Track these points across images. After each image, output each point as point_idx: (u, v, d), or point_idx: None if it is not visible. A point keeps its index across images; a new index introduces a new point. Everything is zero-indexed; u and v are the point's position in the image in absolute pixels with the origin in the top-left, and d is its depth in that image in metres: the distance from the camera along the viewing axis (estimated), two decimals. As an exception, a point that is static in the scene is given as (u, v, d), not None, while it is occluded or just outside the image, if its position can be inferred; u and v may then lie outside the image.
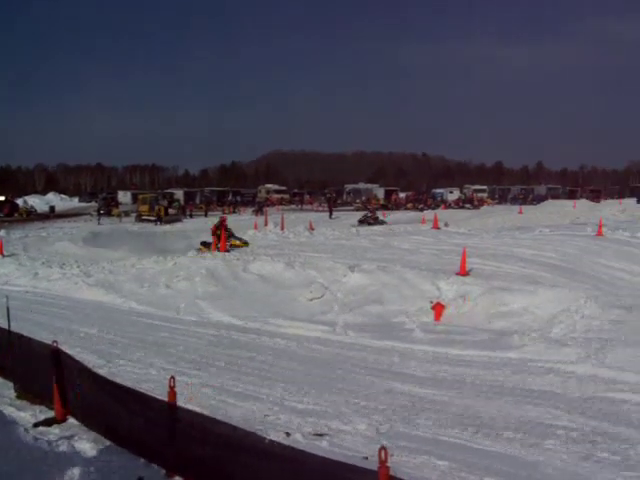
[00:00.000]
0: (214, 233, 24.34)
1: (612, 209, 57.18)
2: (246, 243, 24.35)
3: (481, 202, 73.93)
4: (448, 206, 68.57)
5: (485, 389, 8.40)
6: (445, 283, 14.00)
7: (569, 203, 61.40)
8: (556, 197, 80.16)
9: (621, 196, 79.89)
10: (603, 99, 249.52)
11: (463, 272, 14.88)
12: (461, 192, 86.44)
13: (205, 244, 24.56)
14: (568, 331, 11.27)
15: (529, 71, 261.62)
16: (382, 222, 39.33)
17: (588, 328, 11.45)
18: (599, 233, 23.51)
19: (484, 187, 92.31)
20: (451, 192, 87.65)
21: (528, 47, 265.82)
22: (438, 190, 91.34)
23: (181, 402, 5.77)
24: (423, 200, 74.80)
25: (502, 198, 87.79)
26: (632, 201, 67.28)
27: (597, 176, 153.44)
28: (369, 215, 40.62)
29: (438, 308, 12.90)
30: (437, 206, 67.76)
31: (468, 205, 69.77)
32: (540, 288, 13.64)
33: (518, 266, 16.77)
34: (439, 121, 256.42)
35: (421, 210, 61.30)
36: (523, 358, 9.88)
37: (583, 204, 60.16)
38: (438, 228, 26.58)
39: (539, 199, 78.23)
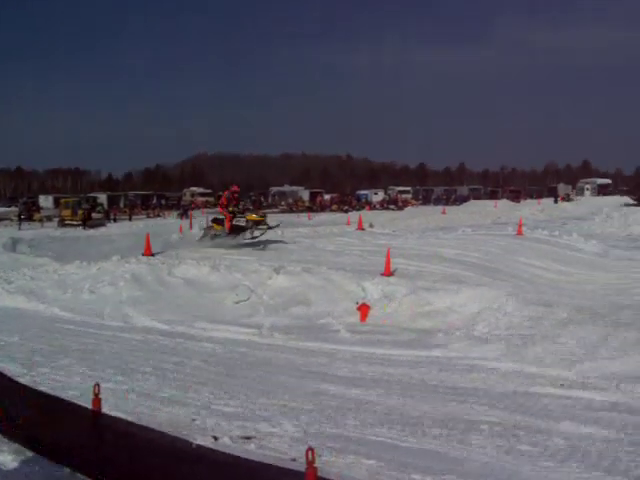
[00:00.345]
0: (224, 207, 21.27)
1: (531, 209, 58.70)
2: (263, 217, 21.88)
3: (405, 203, 74.96)
4: (373, 207, 69.34)
5: (411, 387, 8.50)
6: (370, 284, 14.14)
7: (490, 203, 62.80)
8: (478, 197, 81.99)
9: (540, 196, 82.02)
10: (522, 101, 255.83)
11: (388, 272, 15.05)
12: (385, 193, 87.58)
13: (217, 221, 21.70)
14: (491, 328, 11.53)
15: (450, 73, 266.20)
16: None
17: (510, 325, 11.74)
18: (519, 232, 24.12)
19: (408, 188, 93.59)
20: (376, 193, 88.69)
21: (449, 49, 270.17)
22: (363, 192, 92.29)
23: (106, 409, 5.69)
24: (348, 202, 75.43)
25: (426, 199, 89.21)
26: (550, 201, 69.21)
27: (517, 177, 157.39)
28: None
29: (363, 309, 13.02)
30: (362, 207, 68.37)
31: (392, 206, 70.69)
32: (463, 287, 13.91)
33: (442, 266, 17.07)
34: (363, 123, 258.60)
35: (346, 212, 61.82)
36: (448, 356, 10.06)
37: (504, 204, 61.65)
38: (363, 229, 26.84)
39: (462, 199, 79.87)
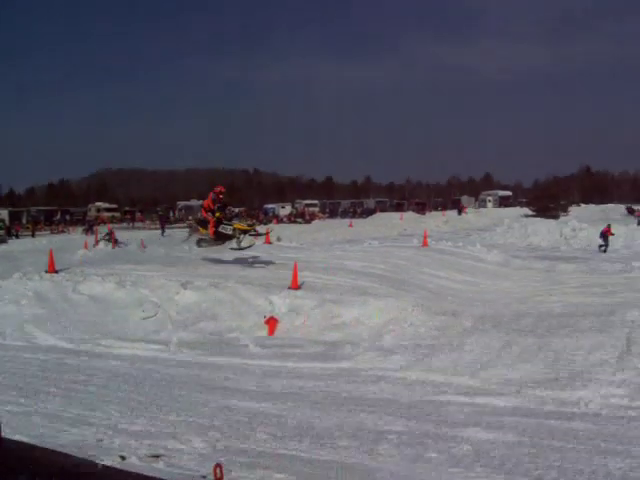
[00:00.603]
0: (209, 210, 19.08)
1: (436, 221, 60.01)
2: (252, 226, 19.60)
3: (313, 216, 75.24)
4: (280, 221, 69.28)
5: (320, 400, 8.55)
6: (278, 297, 14.16)
7: (396, 215, 63.84)
8: (384, 210, 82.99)
9: (445, 208, 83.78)
10: (427, 116, 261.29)
11: (295, 286, 15.09)
12: (293, 207, 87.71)
13: (203, 223, 19.48)
14: (398, 339, 11.73)
15: (355, 88, 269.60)
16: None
17: (416, 335, 11.97)
18: (424, 244, 24.64)
19: (315, 202, 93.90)
20: (283, 207, 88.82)
21: (353, 63, 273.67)
22: (270, 205, 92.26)
23: (6, 433, 5.50)
24: (255, 216, 75.22)
25: (333, 212, 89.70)
26: (454, 213, 70.83)
27: (422, 189, 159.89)
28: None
29: (272, 322, 13.04)
30: (269, 221, 68.27)
31: (300, 219, 70.83)
32: (370, 299, 14.09)
33: (349, 278, 17.22)
34: (270, 137, 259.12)
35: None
36: (356, 367, 10.16)
37: (410, 216, 62.79)
38: (270, 243, 26.81)
39: (368, 212, 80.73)
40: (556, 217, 59.63)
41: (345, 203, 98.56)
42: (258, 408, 8.18)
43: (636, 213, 50.83)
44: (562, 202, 75.92)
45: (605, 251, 31.89)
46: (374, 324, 12.86)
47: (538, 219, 51.59)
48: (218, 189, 19.39)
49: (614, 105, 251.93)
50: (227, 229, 18.51)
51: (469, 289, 17.66)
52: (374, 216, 69.55)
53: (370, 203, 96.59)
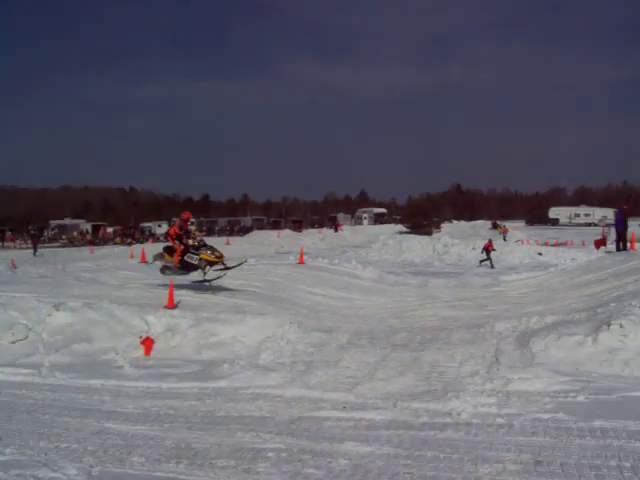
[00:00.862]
0: (175, 238, 18.12)
1: (313, 238, 60.70)
2: (220, 258, 17.99)
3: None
4: (157, 239, 68.33)
5: (198, 420, 8.45)
6: (154, 317, 13.92)
7: (273, 233, 64.22)
8: (261, 228, 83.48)
9: (321, 226, 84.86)
10: (302, 135, 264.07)
11: (171, 305, 14.90)
12: (170, 225, 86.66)
13: (169, 250, 18.31)
14: (275, 357, 11.76)
15: (233, 106, 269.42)
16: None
17: (293, 352, 12.05)
18: (301, 261, 24.88)
19: (192, 220, 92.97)
20: (160, 225, 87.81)
21: (229, 81, 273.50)
22: (146, 224, 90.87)
23: None
24: (131, 234, 73.93)
25: (210, 230, 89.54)
26: (331, 230, 71.85)
27: (299, 207, 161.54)
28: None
29: (147, 343, 12.81)
30: (146, 240, 67.25)
31: (177, 238, 69.85)
32: (247, 317, 14.08)
33: (226, 296, 17.16)
34: (146, 155, 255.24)
35: (130, 244, 60.59)
36: (234, 386, 10.10)
37: (287, 234, 63.26)
38: (147, 262, 26.37)
39: (245, 230, 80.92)
40: (429, 233, 61.58)
41: (222, 221, 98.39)
42: (134, 431, 8.00)
43: (502, 228, 52.96)
44: (435, 219, 78.40)
45: (492, 266, 32.98)
46: (251, 342, 12.85)
47: (412, 236, 53.00)
48: (185, 216, 18.67)
49: (484, 126, 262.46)
50: (193, 259, 17.69)
51: (345, 305, 17.92)
52: (251, 234, 69.69)
53: (247, 221, 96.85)
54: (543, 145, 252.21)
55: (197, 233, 18.73)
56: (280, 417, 8.40)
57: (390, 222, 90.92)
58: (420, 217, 73.43)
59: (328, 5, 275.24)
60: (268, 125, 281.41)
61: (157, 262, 18.62)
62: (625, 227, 27.70)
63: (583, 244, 51.67)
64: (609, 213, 77.95)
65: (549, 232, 76.26)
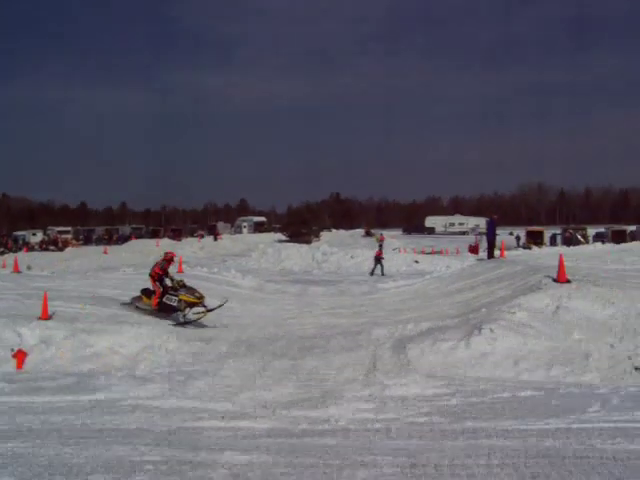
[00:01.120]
0: (157, 279, 17.41)
1: (193, 247, 60.10)
2: (200, 299, 17.06)
3: (66, 243, 72.63)
4: (31, 248, 66.06)
5: (73, 434, 8.21)
6: (27, 329, 13.42)
7: (152, 242, 63.15)
8: (140, 236, 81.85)
9: (201, 234, 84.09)
10: (182, 143, 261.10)
11: (45, 316, 14.42)
12: (45, 234, 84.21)
13: (146, 292, 17.48)
14: (153, 367, 11.61)
15: (108, 113, 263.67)
16: None
17: (172, 362, 11.94)
18: (179, 270, 24.59)
19: (68, 228, 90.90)
20: (34, 234, 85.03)
21: (111, 89, 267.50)
22: (20, 232, 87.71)
23: None
24: (4, 243, 71.27)
25: (88, 239, 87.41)
26: (210, 239, 71.36)
27: (178, 216, 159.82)
28: None
29: (20, 355, 12.36)
30: (20, 249, 64.84)
31: (52, 247, 68.21)
32: (125, 327, 13.83)
33: (103, 306, 16.79)
34: (21, 160, 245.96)
35: (2, 254, 58.39)
36: (110, 398, 9.88)
37: (166, 243, 62.27)
38: (20, 272, 25.46)
39: (124, 239, 79.23)
40: (308, 242, 61.98)
41: (100, 230, 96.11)
42: (5, 448, 7.69)
43: (379, 237, 54.11)
44: (314, 227, 78.96)
45: (383, 273, 33.58)
46: (129, 352, 12.62)
47: (291, 244, 53.30)
48: (169, 256, 18.09)
49: (362, 137, 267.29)
50: (172, 300, 16.96)
51: (224, 314, 17.82)
52: (130, 243, 68.30)
53: (126, 229, 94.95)
54: (420, 155, 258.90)
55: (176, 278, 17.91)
56: (158, 428, 8.28)
57: (270, 231, 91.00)
58: (299, 226, 73.83)
59: (211, 14, 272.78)
60: (148, 133, 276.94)
61: (134, 305, 17.52)
62: (494, 235, 28.84)
63: (457, 252, 53.55)
64: (481, 222, 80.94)
65: (425, 240, 78.59)
